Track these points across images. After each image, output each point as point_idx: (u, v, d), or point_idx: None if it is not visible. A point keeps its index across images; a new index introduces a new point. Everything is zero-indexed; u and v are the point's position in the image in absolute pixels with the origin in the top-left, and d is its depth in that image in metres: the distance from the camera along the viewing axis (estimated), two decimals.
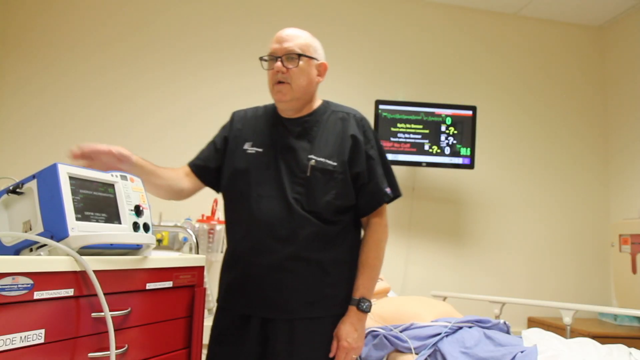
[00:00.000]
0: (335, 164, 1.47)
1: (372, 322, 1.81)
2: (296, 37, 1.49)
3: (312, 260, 1.44)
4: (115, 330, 0.91)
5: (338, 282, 1.48)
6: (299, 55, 1.47)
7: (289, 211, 1.43)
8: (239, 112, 1.64)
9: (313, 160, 1.46)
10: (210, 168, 1.57)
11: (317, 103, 1.57)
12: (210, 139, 1.64)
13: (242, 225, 1.47)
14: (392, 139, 2.93)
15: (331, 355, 1.44)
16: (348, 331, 1.43)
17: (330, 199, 1.45)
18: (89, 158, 1.25)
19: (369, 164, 1.51)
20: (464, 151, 2.97)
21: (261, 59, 1.52)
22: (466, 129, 2.97)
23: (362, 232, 1.57)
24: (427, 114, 2.97)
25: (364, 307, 1.46)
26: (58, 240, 0.89)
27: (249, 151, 1.53)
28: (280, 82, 1.47)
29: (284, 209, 1.43)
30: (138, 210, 1.09)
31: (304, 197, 1.44)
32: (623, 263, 2.72)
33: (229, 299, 1.47)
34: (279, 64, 1.46)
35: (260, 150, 1.52)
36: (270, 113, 1.60)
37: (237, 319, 1.43)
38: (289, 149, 1.50)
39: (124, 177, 1.11)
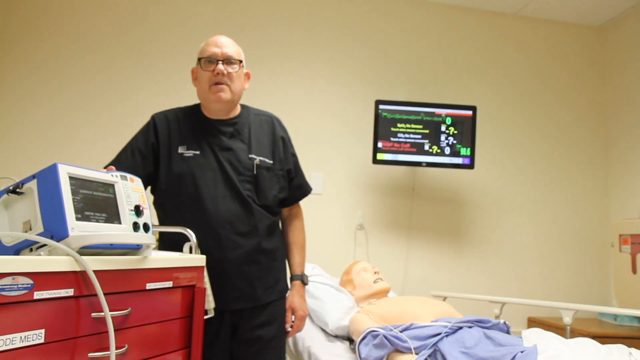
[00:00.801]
0: (271, 162, 1.66)
1: (372, 322, 1.81)
2: (233, 45, 1.63)
3: (268, 250, 1.62)
4: (115, 330, 0.91)
5: (281, 266, 1.71)
6: (239, 62, 1.61)
7: (247, 208, 1.57)
8: (158, 115, 1.68)
9: (257, 160, 1.62)
10: (139, 176, 1.56)
11: (239, 107, 1.71)
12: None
13: (201, 226, 1.51)
14: (392, 139, 2.93)
15: (288, 326, 1.67)
16: (301, 302, 1.69)
17: (275, 193, 1.67)
18: None
19: (294, 161, 1.77)
20: (464, 151, 2.97)
21: (200, 59, 1.60)
22: (466, 129, 2.97)
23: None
24: (427, 114, 2.97)
25: (306, 280, 1.75)
26: (58, 240, 0.89)
27: (186, 154, 1.58)
28: (219, 83, 1.57)
29: (241, 206, 1.57)
30: (138, 210, 1.09)
31: (254, 194, 1.60)
32: (623, 263, 2.72)
33: None
34: (220, 66, 1.56)
35: (197, 152, 1.59)
36: (194, 115, 1.67)
37: (214, 315, 1.44)
38: (228, 149, 1.61)
39: (124, 177, 1.11)
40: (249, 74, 1.71)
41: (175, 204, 1.57)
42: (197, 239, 1.44)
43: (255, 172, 1.60)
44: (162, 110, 1.70)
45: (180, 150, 1.59)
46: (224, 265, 1.52)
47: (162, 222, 1.60)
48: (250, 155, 1.62)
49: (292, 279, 1.73)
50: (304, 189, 1.80)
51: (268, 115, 1.77)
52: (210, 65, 1.57)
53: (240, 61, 1.62)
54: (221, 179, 1.57)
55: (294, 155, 1.78)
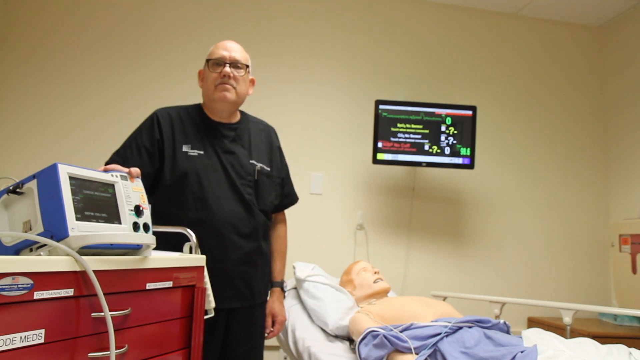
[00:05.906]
0: (269, 169, 1.73)
1: (372, 322, 1.81)
2: (241, 50, 1.68)
3: (263, 252, 1.69)
4: (115, 330, 0.91)
5: (269, 270, 1.78)
6: (246, 67, 1.66)
7: (249, 210, 1.62)
8: (161, 112, 1.67)
9: (258, 166, 1.68)
10: (148, 174, 1.55)
11: (238, 113, 1.76)
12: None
13: (205, 225, 1.53)
14: (392, 139, 2.93)
15: (268, 330, 1.74)
16: (280, 308, 1.77)
17: (272, 199, 1.74)
18: None
19: (286, 170, 1.86)
20: (464, 151, 2.97)
21: (208, 60, 1.65)
22: (466, 129, 2.97)
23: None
24: (427, 114, 2.97)
25: (285, 287, 1.85)
26: (58, 240, 0.89)
27: (191, 154, 1.59)
28: (224, 84, 1.62)
29: (244, 209, 1.61)
30: (138, 211, 1.09)
31: (254, 198, 1.65)
32: (623, 263, 2.72)
33: None
34: (227, 69, 1.61)
35: (201, 152, 1.61)
36: (197, 116, 1.69)
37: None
38: (230, 152, 1.64)
39: (124, 177, 1.11)
40: (254, 81, 1.76)
41: (179, 202, 1.57)
42: (199, 237, 1.43)
43: (256, 177, 1.66)
44: (164, 107, 1.70)
45: (185, 148, 1.60)
46: (224, 265, 1.55)
47: (162, 218, 1.55)
48: (251, 161, 1.67)
49: (272, 285, 1.79)
50: (292, 198, 1.89)
51: (265, 124, 1.83)
52: (218, 67, 1.62)
53: (247, 66, 1.67)
54: (225, 181, 1.60)
55: (286, 165, 1.87)
